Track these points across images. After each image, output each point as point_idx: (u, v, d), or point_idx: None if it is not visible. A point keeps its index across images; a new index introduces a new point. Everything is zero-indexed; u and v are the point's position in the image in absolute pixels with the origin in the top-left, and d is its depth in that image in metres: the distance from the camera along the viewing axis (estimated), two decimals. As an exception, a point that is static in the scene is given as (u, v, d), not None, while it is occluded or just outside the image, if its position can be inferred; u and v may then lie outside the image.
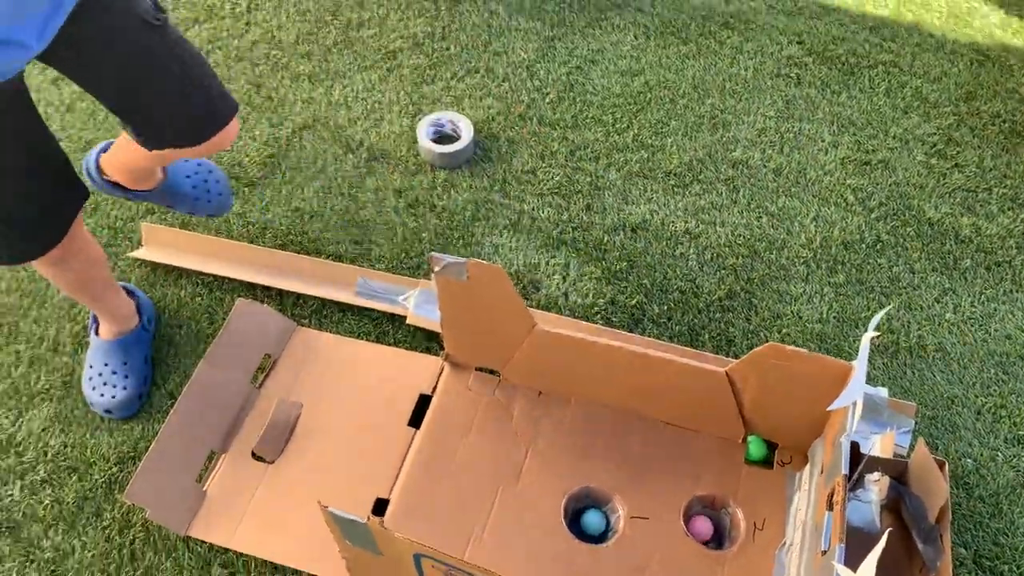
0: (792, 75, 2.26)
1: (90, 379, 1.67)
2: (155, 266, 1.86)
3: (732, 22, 2.37)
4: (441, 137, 2.05)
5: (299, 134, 2.09)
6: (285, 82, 2.19)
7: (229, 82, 2.18)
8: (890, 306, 1.80)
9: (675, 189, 2.01)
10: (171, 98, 1.29)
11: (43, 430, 1.63)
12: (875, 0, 2.47)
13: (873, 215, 1.97)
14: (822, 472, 1.36)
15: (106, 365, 1.66)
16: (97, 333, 1.69)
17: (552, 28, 2.34)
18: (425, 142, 2.02)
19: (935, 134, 2.14)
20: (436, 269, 1.43)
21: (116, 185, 1.60)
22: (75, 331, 1.76)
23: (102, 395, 1.64)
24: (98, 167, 1.60)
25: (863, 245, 1.91)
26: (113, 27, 1.21)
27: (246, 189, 1.99)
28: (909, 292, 1.83)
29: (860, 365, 1.24)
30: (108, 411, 1.64)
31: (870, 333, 1.22)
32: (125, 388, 1.64)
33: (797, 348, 1.33)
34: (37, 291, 1.82)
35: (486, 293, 1.46)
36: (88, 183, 1.54)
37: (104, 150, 1.60)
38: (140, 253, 1.86)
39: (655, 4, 2.41)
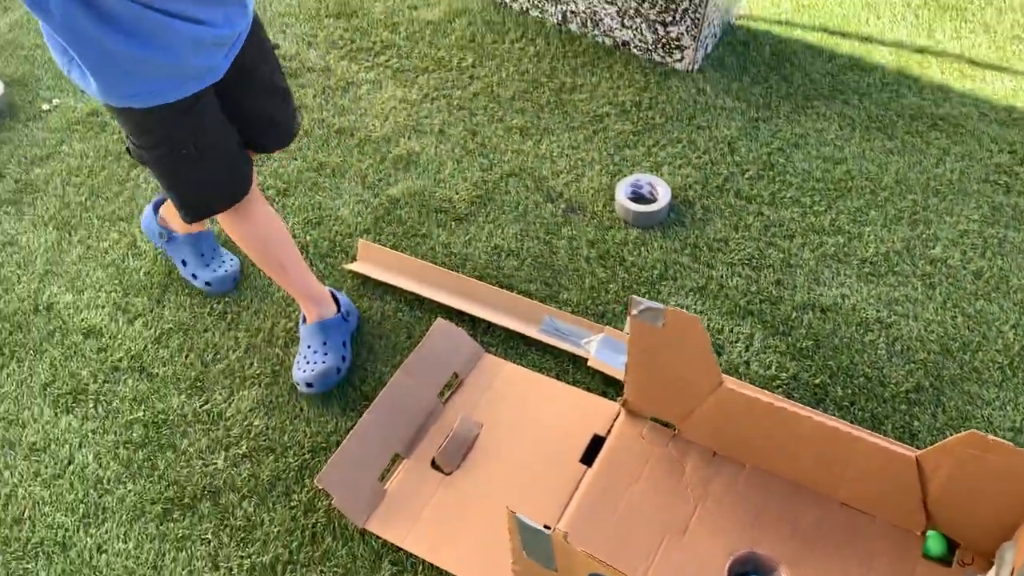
0: (1001, 182, 2.21)
1: (296, 362, 1.83)
2: (365, 279, 2.02)
3: (941, 124, 2.36)
4: (638, 198, 2.14)
5: (506, 180, 2.23)
6: (499, 132, 2.36)
7: (448, 127, 2.37)
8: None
9: (869, 277, 2.00)
10: (289, 108, 1.71)
11: (250, 410, 1.79)
12: (1098, 118, 2.40)
13: (1081, 331, 1.88)
14: (1013, 577, 1.30)
15: (309, 347, 1.82)
16: (304, 322, 1.87)
17: (757, 110, 2.40)
18: (623, 200, 2.11)
19: None
20: (634, 312, 1.50)
21: (170, 237, 2.00)
22: (288, 327, 1.93)
23: (303, 370, 1.80)
24: (159, 221, 2.00)
25: (1068, 360, 1.82)
26: (263, 50, 1.60)
27: (453, 223, 2.13)
28: (1117, 415, 1.73)
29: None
30: (309, 384, 1.78)
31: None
32: (324, 362, 1.79)
33: (1000, 440, 1.30)
34: (261, 287, 2.01)
35: (678, 342, 1.51)
36: (154, 240, 2.04)
37: (157, 206, 2.00)
38: (354, 266, 2.03)
39: (863, 99, 2.43)
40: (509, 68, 2.54)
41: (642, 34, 2.52)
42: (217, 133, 1.57)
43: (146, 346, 1.90)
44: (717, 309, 1.93)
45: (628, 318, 1.54)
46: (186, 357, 1.88)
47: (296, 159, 2.28)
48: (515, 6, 2.72)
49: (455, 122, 2.39)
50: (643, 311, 1.49)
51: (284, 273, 1.80)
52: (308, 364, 1.80)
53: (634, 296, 1.50)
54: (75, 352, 1.90)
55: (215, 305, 1.98)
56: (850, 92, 2.45)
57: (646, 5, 2.44)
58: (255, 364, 1.87)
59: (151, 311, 1.97)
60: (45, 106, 2.44)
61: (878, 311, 1.93)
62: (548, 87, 2.48)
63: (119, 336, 1.92)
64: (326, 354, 1.81)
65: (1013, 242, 2.07)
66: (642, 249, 2.06)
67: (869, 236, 2.09)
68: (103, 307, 1.98)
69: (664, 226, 2.11)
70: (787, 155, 2.28)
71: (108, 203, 2.20)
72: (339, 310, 1.88)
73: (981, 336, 1.88)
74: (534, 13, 2.69)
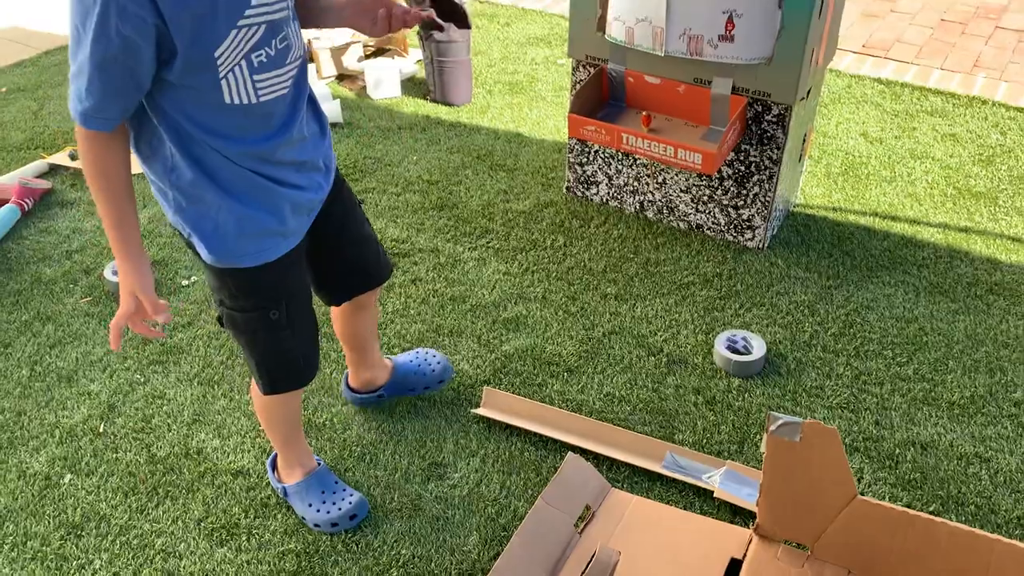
0: (1062, 338, 2.42)
1: (316, 511, 1.93)
2: (492, 422, 2.17)
3: (997, 289, 2.60)
4: (734, 351, 2.34)
5: (608, 337, 2.44)
6: (595, 298, 2.60)
7: (549, 294, 2.62)
8: None
9: (959, 417, 2.15)
10: (379, 250, 1.93)
11: (395, 541, 1.89)
12: None
13: None
14: None
15: (322, 492, 1.95)
16: (285, 483, 1.98)
17: (828, 279, 2.65)
18: (722, 351, 2.30)
19: None
20: (771, 428, 1.64)
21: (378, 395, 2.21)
22: (423, 466, 2.06)
23: (339, 508, 1.92)
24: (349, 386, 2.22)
25: None
26: (351, 204, 1.82)
27: (565, 374, 2.32)
28: None
29: None
30: (353, 516, 1.93)
31: None
32: (351, 497, 1.93)
33: None
34: (393, 431, 2.16)
35: (815, 456, 1.65)
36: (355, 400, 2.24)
37: (273, 464, 2.07)
38: (480, 411, 2.19)
39: (921, 269, 2.69)
40: (597, 247, 2.83)
41: (715, 217, 2.83)
42: (303, 305, 1.75)
43: (291, 485, 2.02)
44: (824, 447, 2.07)
45: (764, 436, 1.68)
46: (330, 494, 2.00)
47: (416, 323, 2.51)
48: (596, 198, 3.06)
49: (555, 290, 2.64)
50: (781, 426, 1.64)
51: (297, 440, 1.97)
52: (334, 506, 1.93)
53: (771, 412, 1.65)
54: (226, 490, 2.02)
55: (353, 447, 2.12)
56: (908, 264, 2.72)
57: (719, 192, 2.77)
58: (395, 499, 1.98)
59: (292, 454, 2.11)
60: (184, 282, 2.70)
61: (975, 447, 2.07)
62: (634, 262, 2.75)
63: (266, 476, 2.05)
64: (344, 490, 1.96)
65: (1086, 388, 2.24)
66: (745, 395, 2.23)
67: (952, 383, 2.26)
68: (249, 450, 2.12)
69: (762, 376, 2.29)
70: (863, 316, 2.50)
71: (246, 363, 2.40)
72: (320, 464, 2.02)
73: (1076, 470, 2.00)
74: (613, 204, 3.03)
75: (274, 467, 2.03)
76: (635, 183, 2.94)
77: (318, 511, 1.92)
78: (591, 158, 3.00)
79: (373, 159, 3.34)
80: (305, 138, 1.60)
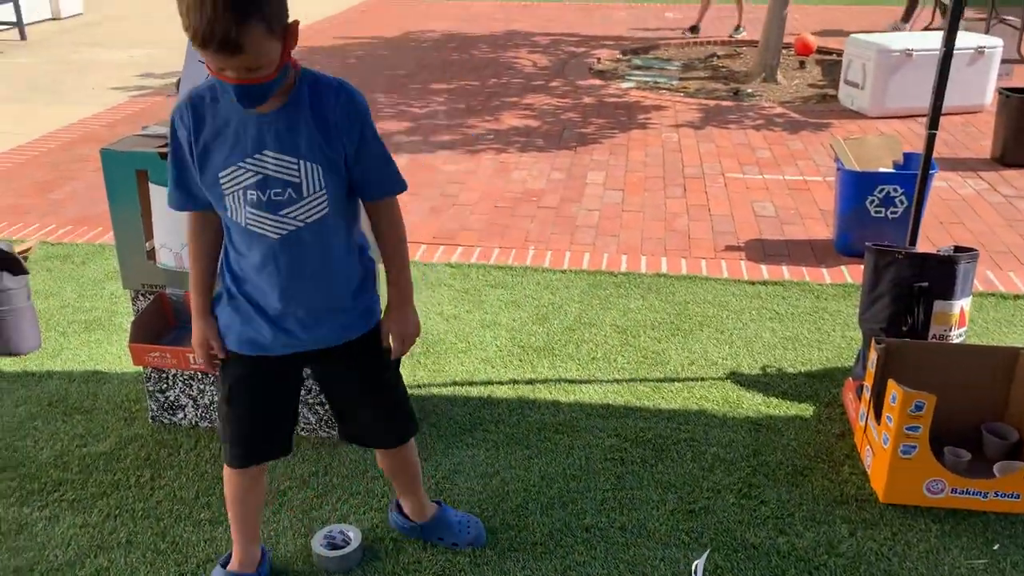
0: (617, 458, 2.77)
1: None
2: None
3: (561, 428, 2.94)
4: (334, 547, 2.34)
5: (203, 567, 2.31)
6: (188, 528, 2.47)
7: (135, 536, 2.43)
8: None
9: (543, 556, 2.34)
10: (384, 420, 2.23)
11: None
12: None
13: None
14: None
15: None
16: (224, 566, 2.23)
17: (419, 453, 2.80)
18: (318, 549, 2.29)
19: (737, 481, 2.63)
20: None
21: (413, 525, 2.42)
22: None
23: None
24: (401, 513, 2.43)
25: None
26: (366, 371, 2.13)
27: (155, 620, 2.13)
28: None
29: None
30: None
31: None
32: None
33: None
34: None
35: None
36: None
37: (399, 507, 2.44)
38: None
39: (498, 425, 2.96)
40: (188, 472, 2.72)
41: (305, 417, 2.89)
42: (243, 403, 2.08)
43: None
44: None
45: None
46: None
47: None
48: (184, 422, 2.97)
49: (141, 530, 2.46)
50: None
51: (248, 530, 2.25)
52: None
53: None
54: None
55: None
56: (487, 422, 2.98)
57: (304, 393, 2.85)
58: None
59: None
60: None
61: (557, 578, 2.25)
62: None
63: None
64: None
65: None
66: (347, 589, 2.22)
67: (533, 524, 2.47)
68: None
69: (362, 564, 2.31)
70: (452, 480, 2.67)
71: None
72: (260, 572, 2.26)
73: None
74: (204, 424, 2.95)
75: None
76: (221, 400, 2.91)
77: None
78: (172, 383, 2.92)
79: (-84, 431, 2.93)
80: (297, 292, 1.95)
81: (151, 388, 2.93)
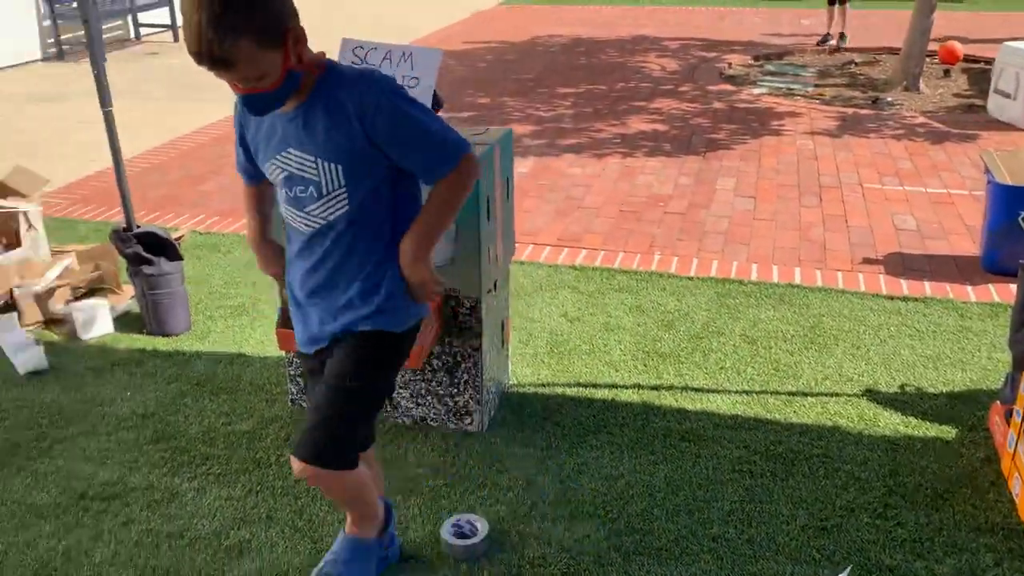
0: (744, 470, 2.72)
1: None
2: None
3: (688, 436, 2.91)
4: (461, 535, 2.39)
5: (337, 547, 2.41)
6: (323, 509, 2.58)
7: (274, 512, 2.56)
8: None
9: (667, 561, 2.32)
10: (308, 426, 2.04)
11: None
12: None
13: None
14: None
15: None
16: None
17: (542, 451, 2.83)
18: (447, 537, 2.35)
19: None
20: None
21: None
22: None
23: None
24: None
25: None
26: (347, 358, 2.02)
27: (293, 593, 2.24)
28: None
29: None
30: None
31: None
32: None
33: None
34: None
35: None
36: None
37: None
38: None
39: (623, 428, 2.96)
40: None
41: (435, 408, 2.96)
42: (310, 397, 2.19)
43: None
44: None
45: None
46: None
47: (128, 568, 2.33)
48: (320, 407, 3.10)
49: (281, 507, 2.59)
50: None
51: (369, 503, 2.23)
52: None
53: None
54: None
55: None
56: (611, 425, 2.98)
57: (434, 383, 2.92)
58: None
59: None
60: None
61: (683, 585, 2.22)
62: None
63: None
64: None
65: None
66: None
67: (658, 529, 2.45)
68: None
69: (488, 555, 2.36)
70: (576, 480, 2.68)
71: None
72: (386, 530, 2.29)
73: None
74: (338, 410, 3.08)
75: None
76: (355, 387, 3.03)
77: None
78: (310, 369, 3.06)
79: (83, 402, 3.18)
80: (317, 286, 2.01)
81: (292, 372, 3.08)
